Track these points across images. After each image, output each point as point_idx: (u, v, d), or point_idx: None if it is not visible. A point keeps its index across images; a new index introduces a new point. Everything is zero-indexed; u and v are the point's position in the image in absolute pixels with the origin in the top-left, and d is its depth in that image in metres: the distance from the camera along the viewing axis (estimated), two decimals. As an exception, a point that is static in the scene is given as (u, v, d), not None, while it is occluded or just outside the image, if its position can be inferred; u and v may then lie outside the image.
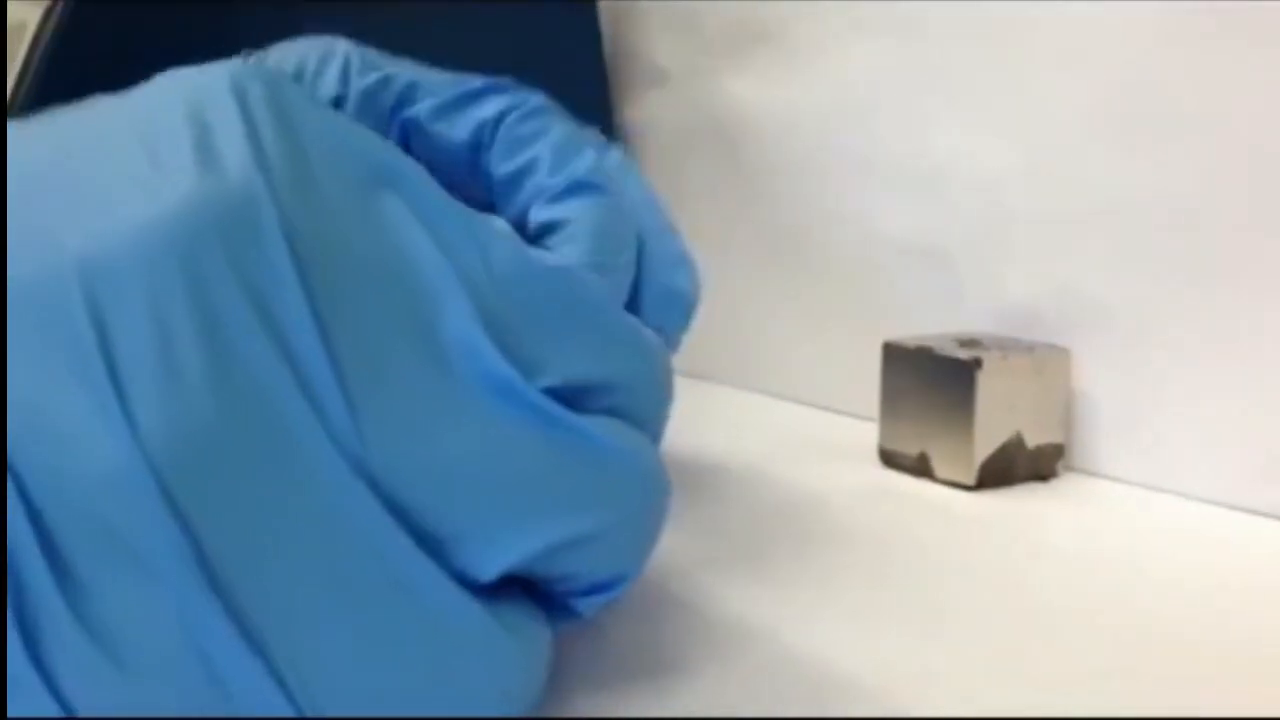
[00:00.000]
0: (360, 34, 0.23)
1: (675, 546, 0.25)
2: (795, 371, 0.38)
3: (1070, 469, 0.31)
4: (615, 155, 0.22)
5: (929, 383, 0.30)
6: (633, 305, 0.21)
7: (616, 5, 0.42)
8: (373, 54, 0.22)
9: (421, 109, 0.22)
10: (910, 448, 0.30)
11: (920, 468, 0.30)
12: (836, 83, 0.37)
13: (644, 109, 0.42)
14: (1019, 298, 0.33)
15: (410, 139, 0.22)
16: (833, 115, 0.37)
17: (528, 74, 0.41)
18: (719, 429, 0.36)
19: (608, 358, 0.17)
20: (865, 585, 0.23)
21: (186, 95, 0.16)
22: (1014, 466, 0.30)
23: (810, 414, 0.37)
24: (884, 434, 0.31)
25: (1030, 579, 0.24)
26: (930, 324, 0.33)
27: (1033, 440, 0.30)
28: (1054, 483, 0.30)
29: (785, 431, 0.36)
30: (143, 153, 0.15)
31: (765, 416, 0.38)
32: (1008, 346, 0.30)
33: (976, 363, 0.29)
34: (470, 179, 0.21)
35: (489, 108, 0.22)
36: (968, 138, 0.34)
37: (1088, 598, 0.23)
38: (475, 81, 0.22)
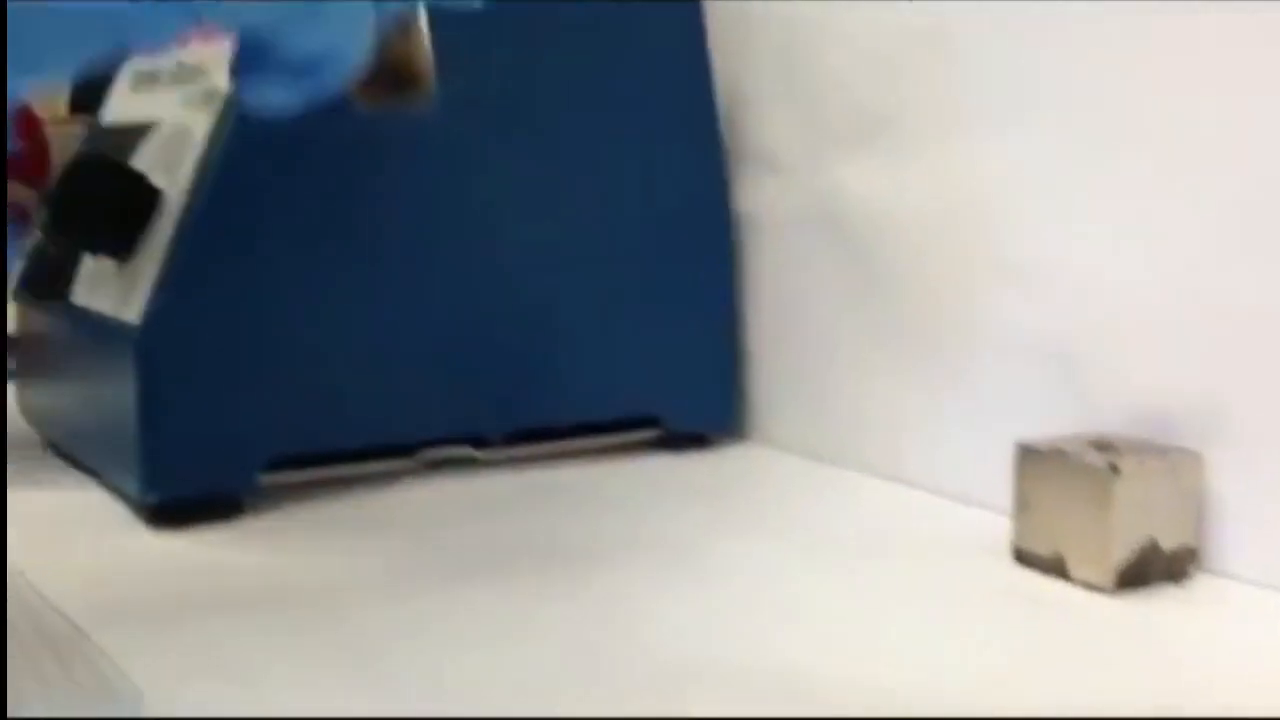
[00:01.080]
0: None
1: (797, 637, 0.27)
2: (918, 459, 0.39)
3: (1203, 570, 0.32)
4: None
5: (1064, 486, 0.31)
6: None
7: (736, 91, 0.43)
8: None
9: None
10: (1045, 548, 0.31)
11: (1055, 567, 0.31)
12: (960, 178, 0.38)
13: (762, 196, 0.43)
14: (1148, 397, 0.33)
15: None
16: (956, 210, 0.38)
17: (648, 156, 0.43)
18: (846, 513, 0.37)
19: None
20: (1007, 682, 0.24)
21: None
22: (1149, 569, 0.30)
23: (933, 501, 0.38)
24: (1018, 532, 0.32)
25: (1171, 684, 0.25)
26: (1057, 419, 0.34)
27: (1167, 543, 0.31)
28: (1187, 585, 0.31)
29: (910, 519, 0.37)
30: None
31: (889, 501, 0.39)
32: (1142, 450, 0.31)
33: (1114, 469, 0.30)
34: None
35: None
36: (1097, 236, 0.35)
37: (1230, 706, 0.24)
38: None
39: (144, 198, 0.35)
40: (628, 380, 0.41)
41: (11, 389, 0.43)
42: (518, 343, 0.39)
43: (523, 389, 0.39)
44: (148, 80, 0.40)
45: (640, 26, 0.40)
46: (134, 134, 0.38)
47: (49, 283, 0.39)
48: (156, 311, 0.33)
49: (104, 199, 0.34)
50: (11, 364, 0.43)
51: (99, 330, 0.35)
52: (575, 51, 0.39)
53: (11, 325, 0.44)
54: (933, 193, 0.38)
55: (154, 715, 0.24)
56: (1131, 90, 0.33)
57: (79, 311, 0.37)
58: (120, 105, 0.41)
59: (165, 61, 0.39)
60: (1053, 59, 0.35)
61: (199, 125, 0.35)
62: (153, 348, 0.33)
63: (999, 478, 0.33)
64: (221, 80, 0.35)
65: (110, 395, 0.35)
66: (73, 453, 0.39)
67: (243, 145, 0.34)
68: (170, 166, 0.36)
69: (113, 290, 0.36)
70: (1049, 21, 0.35)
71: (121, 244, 0.35)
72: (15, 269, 0.40)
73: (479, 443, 0.39)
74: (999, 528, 0.33)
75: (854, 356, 0.41)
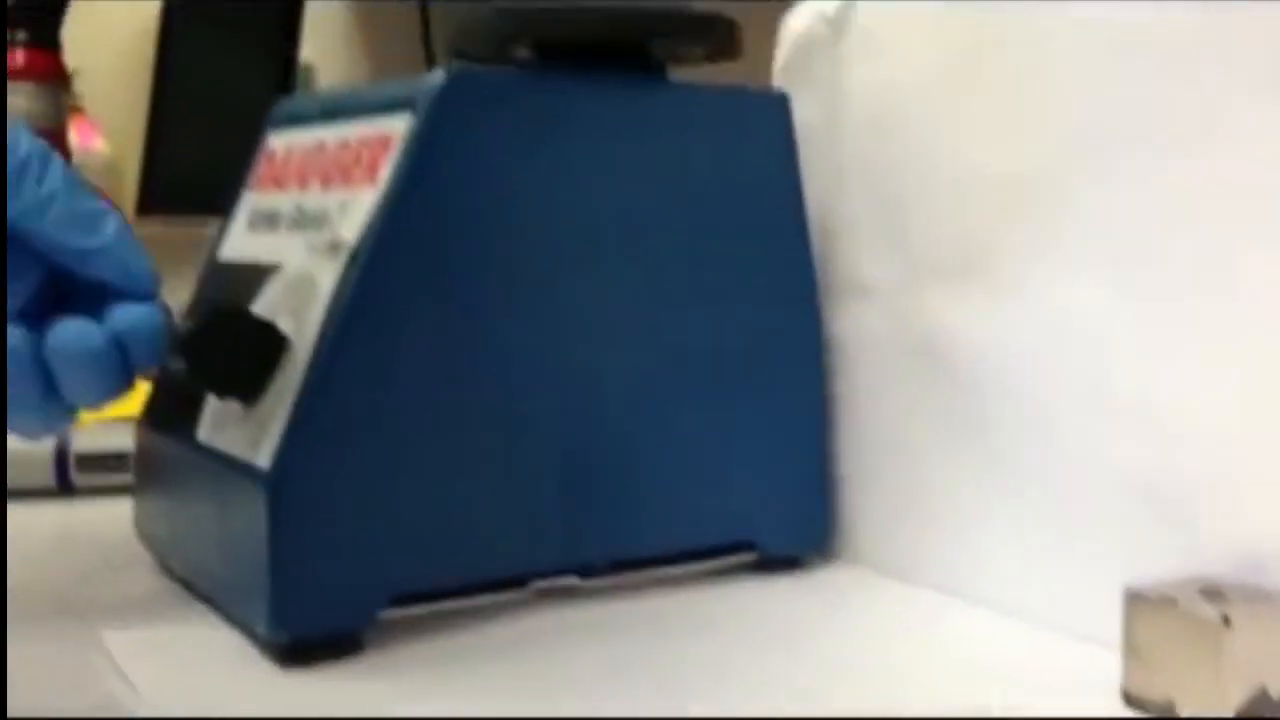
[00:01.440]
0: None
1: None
2: (1014, 589, 0.40)
3: (1313, 717, 0.32)
4: None
5: (1175, 635, 0.32)
6: None
7: (826, 216, 0.45)
8: None
9: None
10: (1156, 694, 0.32)
11: (1167, 712, 0.32)
12: (1056, 314, 0.39)
13: (854, 321, 0.44)
14: (1254, 539, 0.34)
15: None
16: (1051, 345, 0.39)
17: (739, 279, 0.44)
18: (943, 641, 0.38)
19: None
20: None
21: None
22: (1261, 716, 0.31)
23: (1030, 633, 0.39)
24: (1128, 677, 0.33)
25: None
26: (1156, 556, 0.35)
27: (1278, 691, 0.31)
28: (1299, 732, 0.32)
29: (1011, 651, 0.37)
30: None
31: (984, 630, 0.39)
32: (1254, 599, 0.32)
33: (1226, 621, 0.31)
34: None
35: None
36: (1200, 374, 0.35)
37: None
38: None
39: (274, 346, 0.36)
40: (724, 507, 0.42)
41: (123, 506, 0.45)
42: (618, 473, 0.40)
43: (625, 519, 0.40)
44: (266, 221, 0.42)
45: (728, 127, 0.42)
46: (255, 275, 0.40)
47: (174, 416, 0.41)
48: (288, 458, 0.35)
49: (238, 349, 0.36)
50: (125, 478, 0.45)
51: (228, 471, 0.37)
52: (658, 147, 0.40)
53: (126, 442, 0.46)
54: (1028, 328, 0.39)
55: None
56: (1236, 232, 0.35)
57: (206, 450, 0.38)
58: (238, 243, 0.43)
59: (283, 203, 0.41)
60: (1150, 201, 0.36)
61: (324, 275, 0.37)
62: (284, 493, 0.35)
63: (1098, 613, 0.34)
64: (347, 231, 0.37)
65: (238, 535, 0.36)
66: (191, 581, 0.41)
67: (371, 301, 0.36)
68: (296, 313, 0.37)
69: (241, 431, 0.37)
70: (1144, 165, 0.36)
71: (251, 390, 0.37)
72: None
73: (584, 572, 0.40)
74: (1100, 664, 0.34)
75: (947, 484, 0.42)
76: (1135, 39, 0.35)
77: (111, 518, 0.48)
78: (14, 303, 0.37)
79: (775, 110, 0.42)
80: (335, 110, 0.41)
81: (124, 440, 0.52)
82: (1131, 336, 0.37)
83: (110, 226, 0.36)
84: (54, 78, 0.68)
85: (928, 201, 0.41)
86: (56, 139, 0.69)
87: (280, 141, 0.43)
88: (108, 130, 2.02)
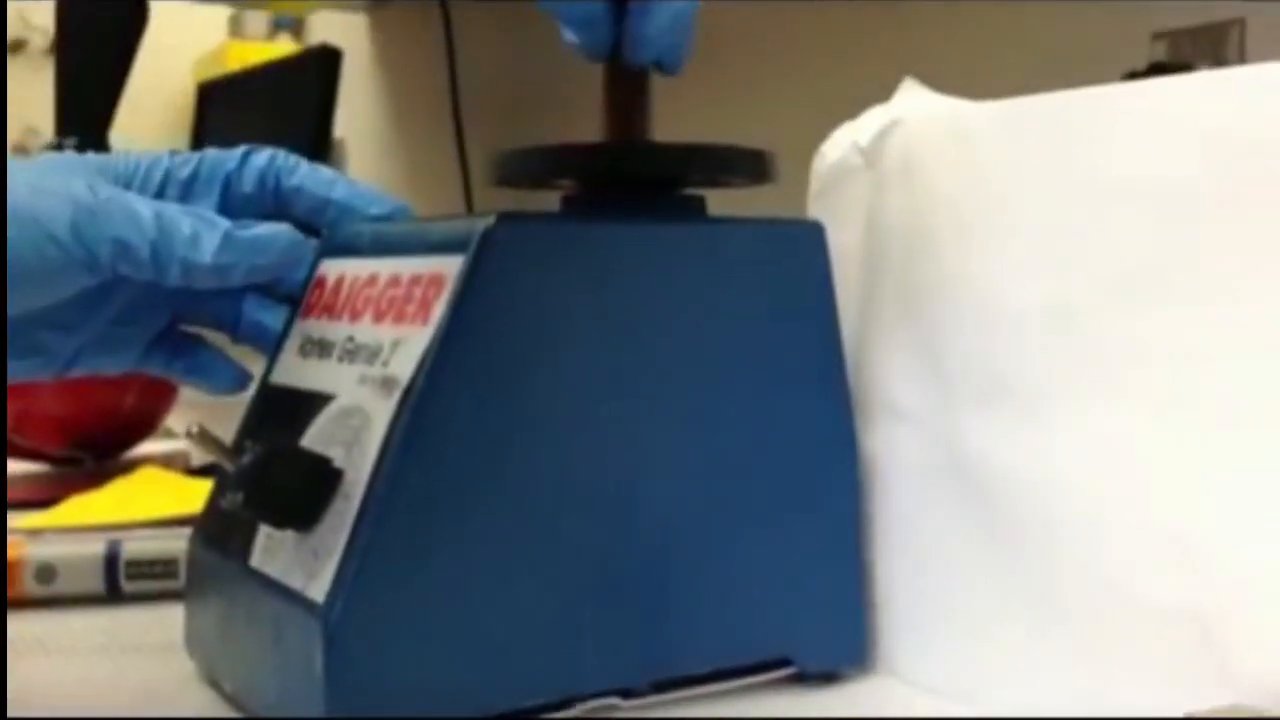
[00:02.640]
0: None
1: None
2: (1052, 713, 0.40)
3: None
4: None
5: (1213, 776, 0.32)
6: None
7: (862, 338, 0.46)
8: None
9: None
10: (1194, 834, 0.33)
11: None
12: (1091, 440, 0.39)
13: (887, 442, 0.45)
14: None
15: None
16: (1086, 472, 0.40)
17: (772, 398, 0.45)
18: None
19: None
20: None
21: None
22: None
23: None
24: (1165, 816, 0.34)
25: None
26: (1192, 685, 0.36)
27: (1314, 834, 0.32)
28: None
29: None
30: None
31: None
32: (1286, 742, 0.33)
33: (1262, 766, 0.31)
34: None
35: None
36: (1234, 503, 0.36)
37: None
38: None
39: (329, 480, 0.38)
40: (762, 625, 0.43)
41: (173, 613, 0.46)
42: (659, 595, 0.41)
43: (665, 640, 0.41)
44: (318, 348, 0.43)
45: (765, 260, 0.43)
46: (308, 402, 0.42)
47: (227, 536, 0.42)
48: (343, 593, 0.36)
49: (294, 484, 0.37)
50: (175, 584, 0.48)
51: (281, 600, 0.38)
52: (698, 283, 0.42)
53: (176, 547, 0.48)
54: (1064, 455, 0.40)
55: None
56: (1270, 368, 0.35)
57: (259, 575, 0.40)
58: (290, 368, 0.45)
59: (336, 332, 0.43)
60: (1185, 337, 0.37)
61: (378, 411, 0.38)
62: (339, 628, 0.36)
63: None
64: (400, 368, 0.38)
65: (290, 664, 0.38)
66: (240, 700, 0.42)
67: (424, 439, 0.37)
68: (348, 445, 0.39)
69: (295, 559, 0.38)
70: (1181, 303, 0.37)
71: (306, 522, 0.38)
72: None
73: (625, 693, 0.41)
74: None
75: (983, 605, 0.43)
76: (1176, 189, 0.36)
77: (162, 624, 0.49)
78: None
79: (811, 239, 0.43)
80: (387, 245, 0.42)
81: (174, 545, 0.53)
82: (1168, 466, 0.38)
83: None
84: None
85: (961, 327, 0.42)
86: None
87: (332, 270, 0.45)
88: (142, 199, 2.06)
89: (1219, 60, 0.80)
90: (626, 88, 0.42)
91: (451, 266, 0.39)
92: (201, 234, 0.42)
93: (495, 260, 0.38)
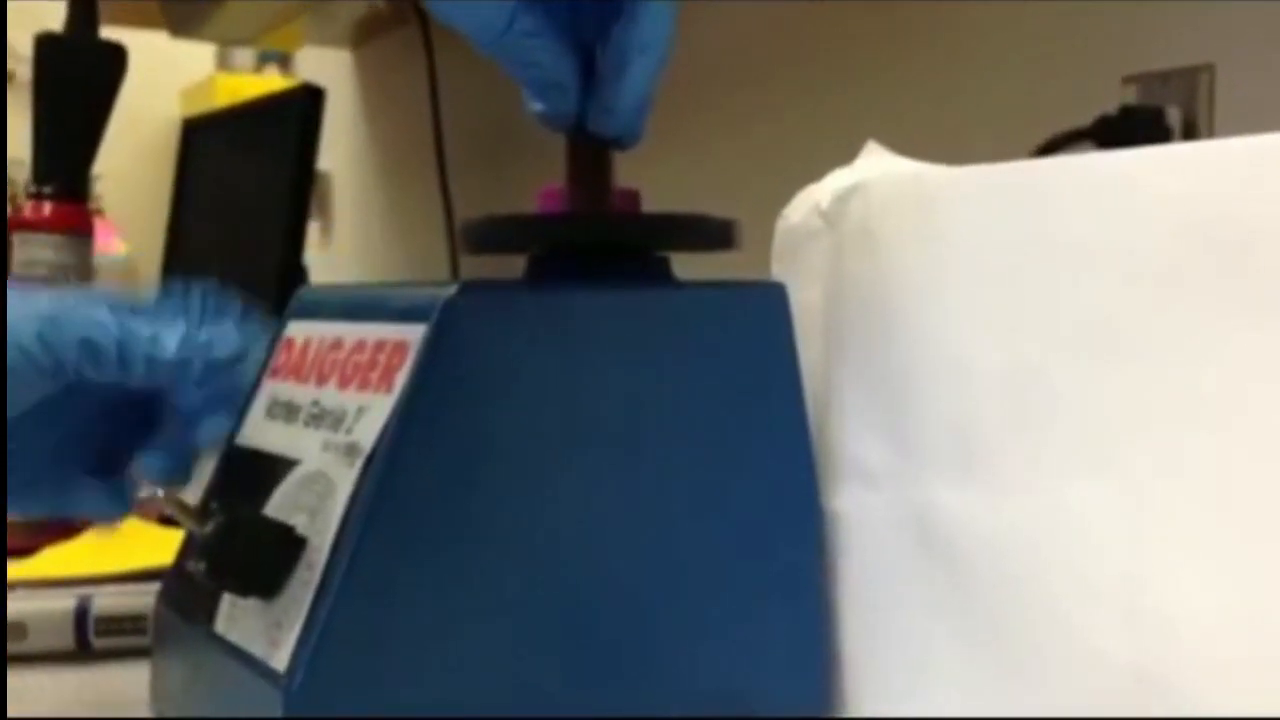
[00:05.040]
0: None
1: None
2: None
3: None
4: None
5: None
6: None
7: (825, 398, 0.46)
8: None
9: None
10: None
11: None
12: (1051, 504, 0.40)
13: (852, 501, 0.46)
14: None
15: None
16: (1046, 535, 0.40)
17: (733, 457, 0.45)
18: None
19: None
20: None
21: None
22: None
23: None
24: None
25: None
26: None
27: None
28: None
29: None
30: None
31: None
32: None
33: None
34: None
35: None
36: (1189, 567, 0.37)
37: None
38: None
39: (292, 548, 0.38)
40: (723, 679, 0.43)
41: (141, 671, 0.46)
42: (623, 651, 0.41)
43: (630, 697, 0.42)
44: (285, 411, 0.44)
45: (726, 322, 0.43)
46: (272, 466, 0.42)
47: (191, 601, 0.42)
48: (305, 661, 0.36)
49: (256, 553, 0.38)
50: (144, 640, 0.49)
51: (244, 668, 0.38)
52: (659, 347, 0.42)
53: (145, 603, 0.48)
54: (1025, 518, 0.40)
55: None
56: (1228, 439, 0.36)
57: (223, 643, 0.40)
58: (256, 429, 0.45)
59: (301, 395, 0.43)
60: (1143, 406, 0.38)
61: (341, 478, 0.38)
62: (300, 697, 0.36)
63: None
64: (363, 436, 0.39)
65: (255, 730, 0.38)
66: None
67: (387, 507, 0.37)
68: (312, 511, 0.39)
69: (257, 628, 0.38)
70: (1139, 372, 0.37)
71: (268, 590, 0.38)
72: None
73: (590, 754, 0.41)
74: None
75: (945, 663, 0.43)
76: (1135, 257, 0.37)
77: (131, 681, 0.49)
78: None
79: (773, 301, 0.44)
80: (353, 310, 0.43)
81: (144, 601, 0.54)
82: (1124, 527, 0.38)
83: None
84: (80, 229, 0.71)
85: (922, 390, 0.43)
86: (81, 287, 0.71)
87: (299, 332, 0.45)
88: (126, 232, 2.06)
89: (1189, 105, 0.81)
90: (590, 159, 0.43)
91: (414, 335, 0.39)
92: (161, 332, 0.45)
93: (457, 330, 0.38)
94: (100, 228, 1.30)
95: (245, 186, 1.33)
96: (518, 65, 0.43)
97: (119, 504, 0.50)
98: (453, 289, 0.39)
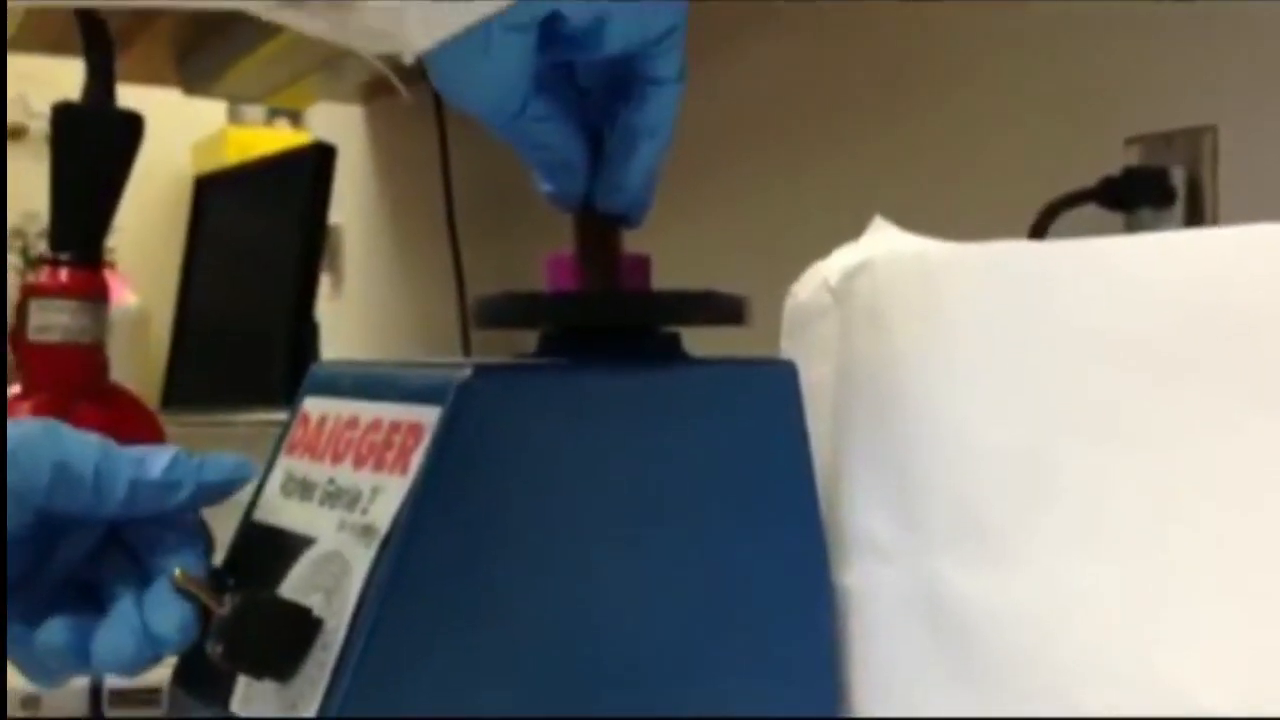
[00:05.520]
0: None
1: None
2: None
3: None
4: None
5: None
6: None
7: (834, 473, 0.47)
8: None
9: None
10: None
11: None
12: (1055, 582, 0.40)
13: (862, 576, 0.46)
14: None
15: None
16: (1052, 612, 0.40)
17: (748, 534, 0.45)
18: None
19: None
20: None
21: None
22: None
23: None
24: None
25: None
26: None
27: None
28: None
29: None
30: None
31: None
32: None
33: None
34: None
35: None
36: (1192, 645, 0.37)
37: None
38: None
39: (308, 630, 0.38)
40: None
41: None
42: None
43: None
44: (300, 488, 0.44)
45: (737, 400, 0.44)
46: (288, 544, 0.42)
47: (206, 681, 0.43)
48: (321, 745, 0.37)
49: (273, 635, 0.38)
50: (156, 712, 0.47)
51: (262, 748, 0.39)
52: (671, 426, 0.43)
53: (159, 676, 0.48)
54: (1031, 594, 0.41)
55: None
56: (1227, 521, 0.36)
57: (239, 722, 0.40)
58: (272, 505, 0.45)
59: (317, 473, 0.44)
60: (1143, 488, 0.38)
61: (357, 559, 0.39)
62: (316, 780, 0.36)
63: None
64: (379, 517, 0.39)
65: (271, 812, 0.38)
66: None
67: (403, 589, 0.38)
68: (329, 594, 0.39)
69: (273, 710, 0.39)
70: (1140, 455, 0.38)
71: (285, 672, 0.38)
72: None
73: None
74: None
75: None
76: (1141, 343, 0.37)
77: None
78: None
79: (784, 379, 0.44)
80: (368, 388, 0.43)
81: (157, 674, 0.54)
82: (1132, 611, 0.39)
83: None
84: (96, 295, 0.71)
85: (931, 466, 0.43)
86: (95, 352, 0.72)
87: (315, 408, 0.46)
88: (137, 283, 2.07)
89: (1192, 166, 0.82)
90: (598, 237, 0.44)
91: (429, 417, 0.39)
92: (148, 455, 0.41)
93: (471, 413, 0.39)
94: (111, 279, 1.32)
95: (257, 242, 1.35)
96: (529, 147, 0.44)
97: (78, 659, 0.41)
98: (467, 371, 0.39)
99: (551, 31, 0.41)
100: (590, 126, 0.44)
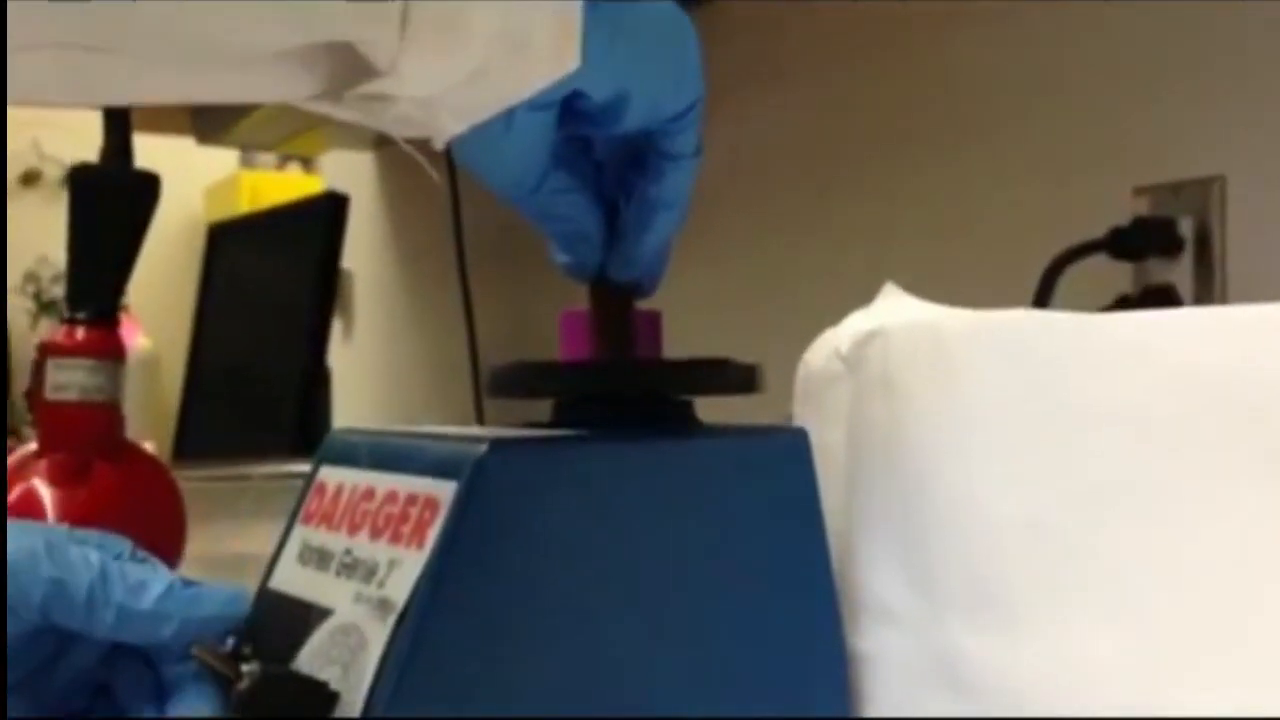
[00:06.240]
0: None
1: None
2: None
3: None
4: None
5: None
6: None
7: (848, 539, 0.47)
8: None
9: None
10: None
11: None
12: (1067, 651, 0.40)
13: (876, 641, 0.46)
14: None
15: None
16: (1064, 681, 0.41)
17: (761, 600, 0.45)
18: None
19: None
20: None
21: None
22: None
23: None
24: None
25: None
26: None
27: None
28: None
29: None
30: None
31: None
32: None
33: None
34: None
35: None
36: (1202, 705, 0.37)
37: None
38: None
39: (324, 704, 0.39)
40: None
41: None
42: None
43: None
44: (317, 557, 0.44)
45: (750, 469, 0.44)
46: (305, 614, 0.42)
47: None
48: (338, 821, 0.37)
49: (291, 708, 0.38)
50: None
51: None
52: (685, 496, 0.43)
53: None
54: (1043, 663, 0.41)
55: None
56: (1234, 592, 0.37)
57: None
58: (288, 574, 0.46)
59: (333, 543, 0.44)
60: (1153, 559, 0.38)
61: (373, 633, 0.39)
62: None
63: None
64: (395, 591, 0.39)
65: None
66: None
67: (419, 663, 0.38)
68: (345, 667, 0.39)
69: (291, 782, 0.39)
70: (1149, 526, 0.38)
71: (304, 746, 0.39)
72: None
73: None
74: None
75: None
76: (1150, 418, 0.38)
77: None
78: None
79: (796, 447, 0.45)
80: (384, 460, 0.44)
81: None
82: (1143, 682, 0.39)
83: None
84: (113, 353, 0.72)
85: (942, 536, 0.43)
86: (111, 410, 0.72)
87: (331, 477, 0.46)
88: (150, 327, 2.09)
89: (1201, 216, 0.82)
90: (612, 307, 0.44)
91: (446, 491, 0.40)
92: (145, 582, 0.40)
93: (488, 488, 0.39)
94: (124, 324, 1.34)
95: (270, 288, 1.36)
96: (546, 220, 0.44)
97: None
98: (483, 447, 0.40)
99: (571, 107, 0.42)
100: (605, 198, 0.45)
